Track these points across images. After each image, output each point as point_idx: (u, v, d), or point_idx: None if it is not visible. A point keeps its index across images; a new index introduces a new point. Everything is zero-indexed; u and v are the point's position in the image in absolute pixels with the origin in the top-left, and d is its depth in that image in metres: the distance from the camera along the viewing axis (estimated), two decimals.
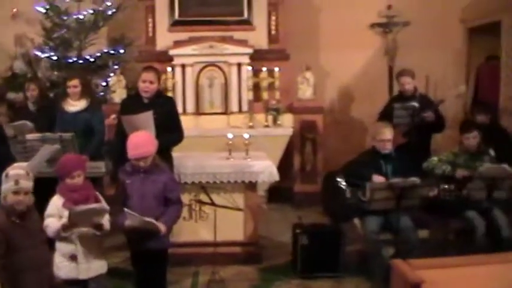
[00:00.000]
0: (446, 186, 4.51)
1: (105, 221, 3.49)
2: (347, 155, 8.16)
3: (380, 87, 7.94)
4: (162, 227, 3.69)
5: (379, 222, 4.58)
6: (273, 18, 7.44)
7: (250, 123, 7.02)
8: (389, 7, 7.84)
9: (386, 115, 5.92)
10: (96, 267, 3.56)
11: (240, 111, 7.26)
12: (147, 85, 4.54)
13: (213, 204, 4.29)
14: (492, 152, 4.83)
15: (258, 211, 5.41)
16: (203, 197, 4.45)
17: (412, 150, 5.41)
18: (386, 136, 4.76)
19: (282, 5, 7.48)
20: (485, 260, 2.51)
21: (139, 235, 3.70)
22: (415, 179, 4.12)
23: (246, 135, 5.29)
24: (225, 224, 4.73)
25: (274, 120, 7.12)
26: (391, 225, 4.62)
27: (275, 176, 5.18)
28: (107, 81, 6.97)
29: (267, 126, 7.12)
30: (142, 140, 3.80)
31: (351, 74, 8.25)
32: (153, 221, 3.64)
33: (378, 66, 8.04)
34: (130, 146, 3.77)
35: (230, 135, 5.27)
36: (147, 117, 4.21)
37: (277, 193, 7.16)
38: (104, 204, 3.49)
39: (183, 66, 7.08)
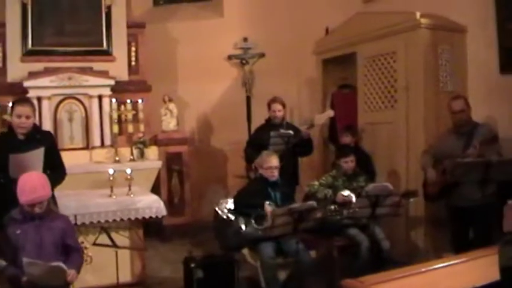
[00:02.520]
0: (332, 207, 4.77)
1: None
2: (210, 184, 8.33)
3: (238, 116, 8.19)
4: (72, 273, 3.35)
5: (274, 247, 4.68)
6: (133, 49, 7.29)
7: (117, 158, 6.72)
8: (245, 39, 8.17)
9: (254, 143, 6.12)
10: None
11: (103, 145, 6.92)
12: (23, 120, 4.09)
13: (114, 246, 3.99)
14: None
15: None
16: (101, 238, 4.10)
17: (284, 174, 5.62)
18: (273, 163, 4.90)
19: (142, 35, 7.36)
20: (427, 268, 2.73)
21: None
22: (312, 203, 4.28)
23: (128, 170, 5.06)
24: (111, 265, 4.42)
25: (142, 154, 6.90)
26: (282, 250, 4.76)
27: (162, 211, 5.02)
28: None
29: (132, 160, 6.86)
30: (38, 182, 3.43)
31: (210, 104, 8.39)
32: (61, 264, 3.27)
33: (236, 96, 8.29)
34: (25, 189, 3.37)
35: (111, 171, 4.99)
36: (38, 156, 3.81)
37: (145, 228, 6.92)
38: None
39: (39, 99, 6.53)
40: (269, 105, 6.01)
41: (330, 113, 6.05)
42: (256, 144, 6.04)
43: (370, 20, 6.15)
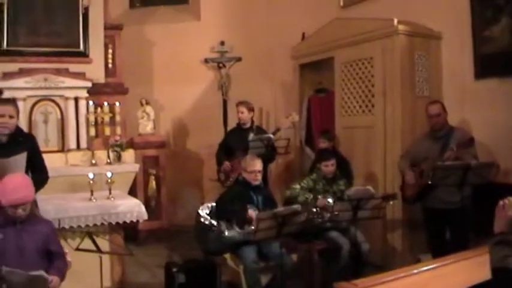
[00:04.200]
0: (314, 210, 4.82)
1: None
2: (186, 187, 8.29)
3: (214, 119, 8.19)
4: (55, 280, 3.28)
5: (256, 251, 4.70)
6: (110, 51, 7.20)
7: (93, 161, 6.63)
8: (222, 43, 8.17)
9: (224, 145, 6.27)
10: None
11: (78, 148, 6.80)
12: (6, 120, 3.95)
13: (99, 251, 3.93)
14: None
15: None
16: (85, 243, 4.03)
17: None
18: (257, 167, 4.92)
19: (119, 37, 7.28)
20: (418, 270, 2.80)
21: None
22: (296, 206, 4.31)
23: (109, 174, 5.00)
24: (91, 271, 4.35)
25: (119, 157, 6.82)
26: (263, 254, 4.78)
27: (144, 215, 4.96)
28: None
29: (109, 163, 6.77)
30: (21, 183, 3.35)
31: (186, 107, 8.34)
32: (42, 273, 3.19)
33: (212, 100, 8.27)
34: (7, 190, 3.26)
35: (91, 175, 4.93)
36: (20, 161, 3.73)
37: None
38: None
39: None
40: (237, 107, 6.27)
41: (295, 117, 6.20)
42: (226, 146, 6.22)
43: (348, 25, 6.24)
